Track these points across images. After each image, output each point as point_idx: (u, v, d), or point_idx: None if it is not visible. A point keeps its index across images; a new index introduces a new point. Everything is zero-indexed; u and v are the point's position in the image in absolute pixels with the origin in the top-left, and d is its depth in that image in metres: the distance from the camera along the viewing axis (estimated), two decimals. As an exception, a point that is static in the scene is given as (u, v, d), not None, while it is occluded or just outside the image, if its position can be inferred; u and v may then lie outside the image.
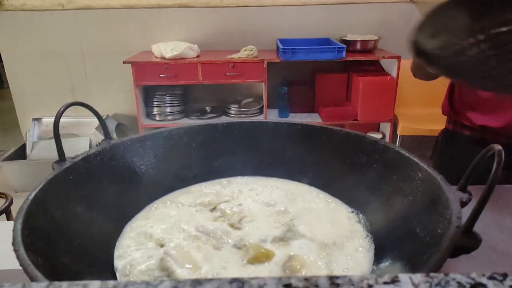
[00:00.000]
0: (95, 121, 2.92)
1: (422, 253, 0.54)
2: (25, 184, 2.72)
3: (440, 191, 0.62)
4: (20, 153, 2.92)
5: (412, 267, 0.54)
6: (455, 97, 1.13)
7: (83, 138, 2.86)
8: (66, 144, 2.80)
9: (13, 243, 0.50)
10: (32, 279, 0.44)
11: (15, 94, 3.11)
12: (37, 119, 3.04)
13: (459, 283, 0.30)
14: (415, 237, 0.61)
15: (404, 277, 0.31)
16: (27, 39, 2.94)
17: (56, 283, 0.31)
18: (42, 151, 2.86)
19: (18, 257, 0.47)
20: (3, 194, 1.29)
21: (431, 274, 0.31)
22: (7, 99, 3.39)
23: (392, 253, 0.64)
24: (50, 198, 0.65)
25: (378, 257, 0.67)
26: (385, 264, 0.63)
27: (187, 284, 0.31)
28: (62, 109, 0.76)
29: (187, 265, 0.67)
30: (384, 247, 0.69)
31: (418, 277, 0.31)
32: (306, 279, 0.31)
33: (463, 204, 0.59)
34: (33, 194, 0.62)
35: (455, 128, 1.14)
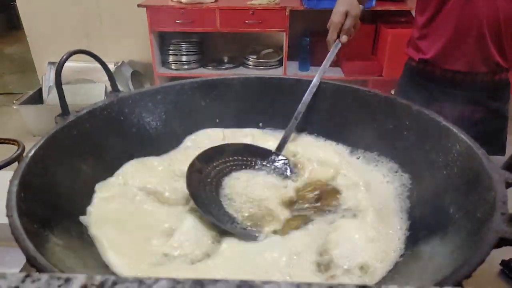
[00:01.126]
0: (111, 67, 2.85)
1: (458, 239, 0.48)
2: (42, 129, 2.73)
3: (481, 168, 0.55)
4: (37, 97, 2.91)
5: (447, 254, 0.48)
6: (411, 37, 1.26)
7: (98, 85, 2.81)
8: (81, 90, 2.73)
9: (7, 208, 0.46)
10: (23, 249, 0.40)
11: (30, 37, 3.04)
12: (53, 63, 2.98)
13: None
14: (448, 217, 0.55)
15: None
16: (41, -21, 2.81)
17: (35, 274, 0.26)
18: (59, 96, 2.84)
19: (10, 224, 0.43)
20: (15, 141, 1.26)
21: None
22: (24, 41, 3.33)
23: (421, 234, 0.58)
24: (52, 156, 0.60)
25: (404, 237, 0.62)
26: (413, 247, 0.58)
27: (187, 285, 0.26)
28: (64, 57, 0.70)
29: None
30: (410, 226, 0.63)
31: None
32: (330, 286, 0.26)
33: (509, 185, 0.52)
34: (33, 151, 0.58)
35: (408, 61, 1.28)
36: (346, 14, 0.94)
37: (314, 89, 0.86)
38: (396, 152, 0.74)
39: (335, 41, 0.95)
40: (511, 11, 1.04)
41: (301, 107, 0.85)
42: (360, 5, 0.99)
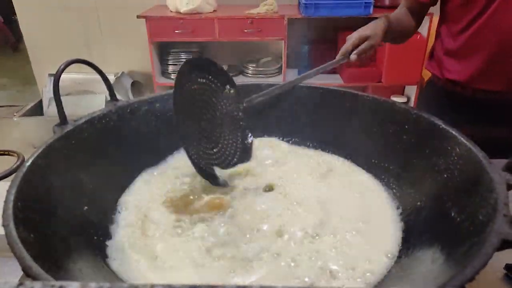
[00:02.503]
0: (111, 78, 2.86)
1: (460, 242, 0.48)
2: (43, 141, 2.73)
3: (482, 170, 0.54)
4: (38, 109, 2.92)
5: (449, 258, 0.48)
6: (434, 52, 1.15)
7: (98, 96, 2.81)
8: (81, 101, 2.74)
9: (3, 217, 0.45)
10: (18, 258, 0.39)
11: (30, 49, 3.06)
12: (53, 75, 2.99)
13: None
14: (450, 221, 0.54)
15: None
16: (41, -8, 2.84)
17: (28, 283, 0.26)
18: (59, 107, 2.84)
19: (6, 234, 0.43)
20: (14, 152, 1.26)
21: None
22: (24, 54, 3.35)
23: (422, 238, 0.58)
24: (50, 165, 0.60)
25: (407, 239, 0.61)
26: (416, 251, 0.57)
27: (182, 290, 0.25)
28: (62, 67, 0.70)
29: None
30: (413, 228, 0.62)
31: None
32: (329, 291, 0.25)
33: (510, 187, 0.51)
34: (30, 160, 0.58)
35: (433, 79, 1.16)
36: (366, 39, 0.95)
37: (299, 81, 0.91)
38: (396, 156, 0.74)
39: (343, 55, 0.95)
40: None
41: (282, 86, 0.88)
42: (382, 41, 0.99)
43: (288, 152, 0.88)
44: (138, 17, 2.50)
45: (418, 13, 1.12)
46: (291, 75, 2.73)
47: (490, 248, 0.40)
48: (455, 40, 1.03)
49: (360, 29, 0.98)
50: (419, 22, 1.14)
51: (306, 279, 0.54)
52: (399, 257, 0.58)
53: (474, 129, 0.93)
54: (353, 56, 0.94)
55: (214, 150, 0.79)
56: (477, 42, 0.98)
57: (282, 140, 0.92)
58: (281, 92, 0.88)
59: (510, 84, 0.99)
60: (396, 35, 1.07)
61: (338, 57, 0.96)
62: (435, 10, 1.14)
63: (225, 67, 2.91)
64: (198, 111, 0.77)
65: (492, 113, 1.03)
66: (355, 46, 0.95)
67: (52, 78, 3.17)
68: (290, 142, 0.91)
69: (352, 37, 0.96)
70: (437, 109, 1.06)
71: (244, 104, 0.84)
